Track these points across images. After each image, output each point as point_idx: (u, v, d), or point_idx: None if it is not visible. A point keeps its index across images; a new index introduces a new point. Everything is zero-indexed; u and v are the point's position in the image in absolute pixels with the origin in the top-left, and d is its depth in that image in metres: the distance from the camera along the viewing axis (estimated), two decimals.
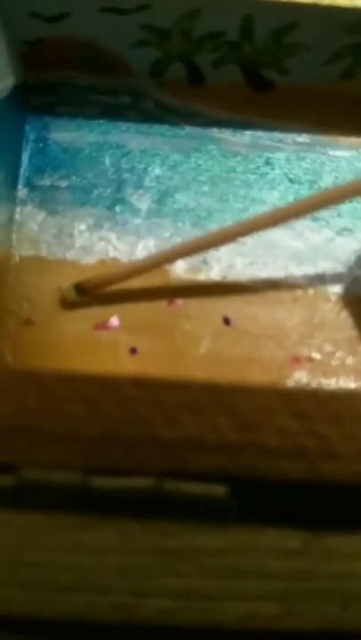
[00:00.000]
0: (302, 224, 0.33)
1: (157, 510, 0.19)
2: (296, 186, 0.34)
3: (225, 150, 0.34)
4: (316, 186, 0.34)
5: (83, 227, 0.33)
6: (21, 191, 0.33)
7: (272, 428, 0.20)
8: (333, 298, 0.32)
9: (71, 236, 0.33)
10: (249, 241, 0.33)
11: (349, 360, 0.31)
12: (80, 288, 0.31)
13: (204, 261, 0.33)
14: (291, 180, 0.34)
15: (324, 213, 0.33)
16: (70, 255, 0.33)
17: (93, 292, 0.32)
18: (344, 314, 0.32)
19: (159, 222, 0.33)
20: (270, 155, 0.34)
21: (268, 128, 0.34)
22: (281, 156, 0.34)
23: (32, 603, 0.19)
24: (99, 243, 0.33)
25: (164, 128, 0.34)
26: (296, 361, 0.31)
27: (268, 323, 0.32)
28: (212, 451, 0.19)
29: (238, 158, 0.34)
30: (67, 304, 0.32)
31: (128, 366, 0.31)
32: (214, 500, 0.19)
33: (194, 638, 0.19)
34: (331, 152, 0.34)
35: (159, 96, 0.34)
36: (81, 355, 0.31)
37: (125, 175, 0.34)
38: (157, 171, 0.34)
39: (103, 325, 0.32)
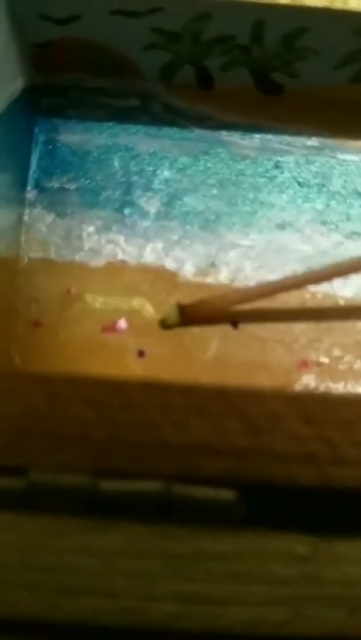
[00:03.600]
0: (311, 227, 0.33)
1: (165, 514, 0.19)
2: (305, 189, 0.34)
3: (234, 153, 0.34)
4: (324, 189, 0.34)
5: (91, 229, 0.33)
6: (30, 193, 0.33)
7: (281, 433, 0.20)
8: (342, 302, 0.32)
9: (80, 238, 0.33)
10: (258, 245, 0.33)
11: (358, 364, 0.31)
12: (183, 311, 0.31)
13: (213, 265, 0.33)
14: (300, 184, 0.34)
15: (333, 217, 0.33)
16: (79, 257, 0.33)
17: (194, 317, 0.31)
18: (353, 318, 0.32)
19: (167, 225, 0.33)
20: (279, 158, 0.34)
21: (278, 131, 0.34)
22: (290, 159, 0.34)
23: (39, 605, 0.19)
24: (107, 245, 0.33)
25: (173, 131, 0.34)
26: (304, 365, 0.31)
27: (277, 326, 0.32)
28: (220, 455, 0.19)
29: (247, 161, 0.34)
30: (165, 326, 0.31)
31: (136, 369, 0.31)
32: (223, 505, 0.19)
33: None
34: (340, 156, 0.34)
35: (168, 99, 0.34)
36: (89, 357, 0.31)
37: (134, 178, 0.34)
38: (166, 173, 0.34)
39: (111, 328, 0.32)
